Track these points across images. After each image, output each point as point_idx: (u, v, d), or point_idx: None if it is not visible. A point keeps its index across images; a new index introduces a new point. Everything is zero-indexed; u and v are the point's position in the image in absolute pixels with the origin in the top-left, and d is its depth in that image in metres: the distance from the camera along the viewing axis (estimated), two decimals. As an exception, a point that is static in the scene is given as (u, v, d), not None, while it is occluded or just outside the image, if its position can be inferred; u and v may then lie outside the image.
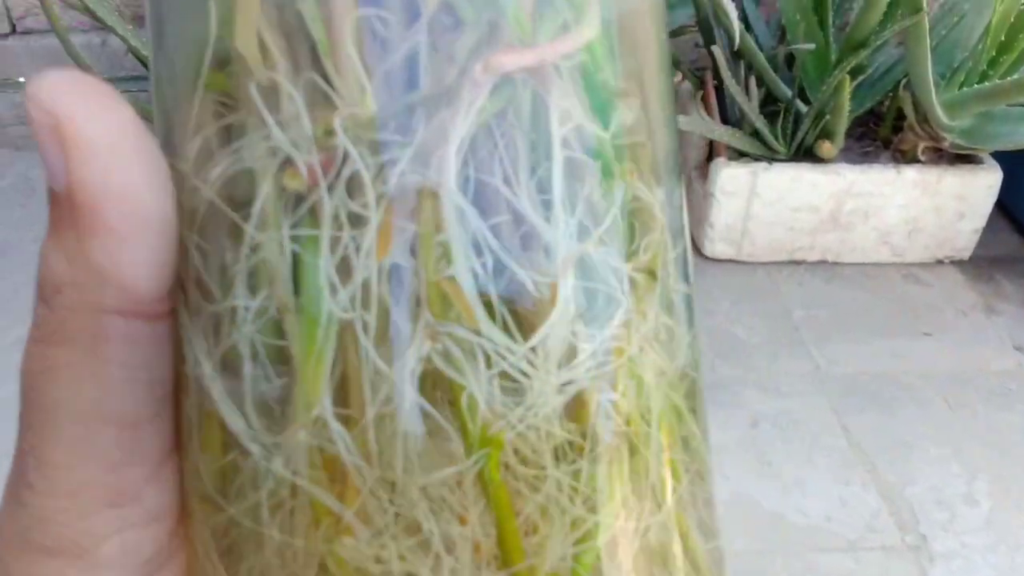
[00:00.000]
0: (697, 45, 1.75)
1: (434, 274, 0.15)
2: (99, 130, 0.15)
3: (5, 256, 1.61)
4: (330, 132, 0.15)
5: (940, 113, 1.29)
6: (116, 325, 0.16)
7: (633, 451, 0.16)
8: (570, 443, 0.16)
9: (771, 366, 1.31)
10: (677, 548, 0.17)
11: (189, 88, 0.16)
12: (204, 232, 0.16)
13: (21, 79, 1.81)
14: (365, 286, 0.15)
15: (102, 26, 1.41)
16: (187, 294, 0.16)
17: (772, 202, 1.45)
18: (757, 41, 1.47)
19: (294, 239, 0.15)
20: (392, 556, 0.15)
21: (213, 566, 0.17)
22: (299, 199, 0.15)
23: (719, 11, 1.36)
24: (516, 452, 0.15)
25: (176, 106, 0.16)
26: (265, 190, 0.15)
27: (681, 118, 1.40)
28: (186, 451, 0.17)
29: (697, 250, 1.58)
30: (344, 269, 0.15)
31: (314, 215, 0.15)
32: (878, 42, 1.20)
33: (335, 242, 0.15)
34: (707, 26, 1.49)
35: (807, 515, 1.07)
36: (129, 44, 1.33)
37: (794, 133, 1.43)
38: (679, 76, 1.43)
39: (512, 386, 0.15)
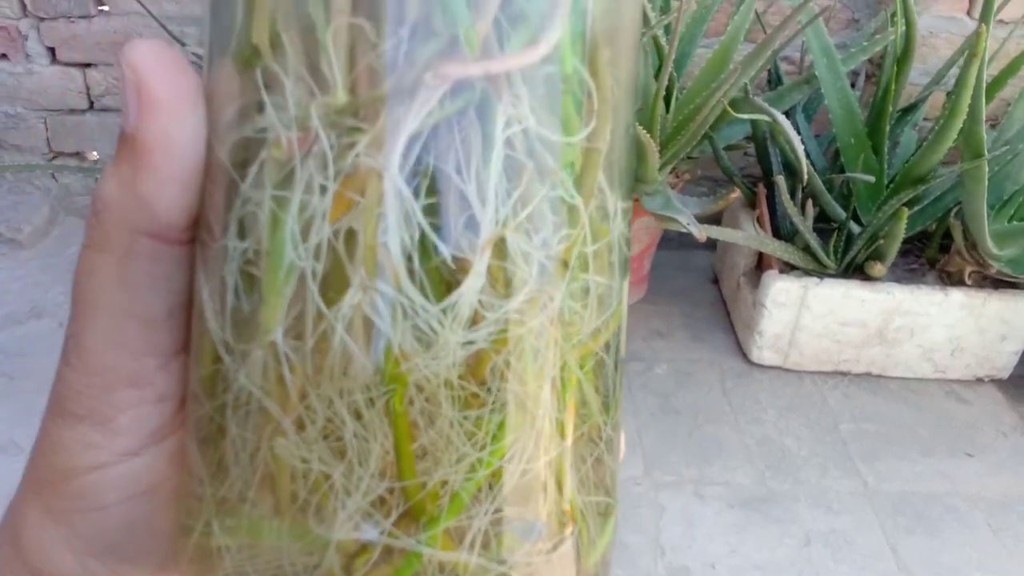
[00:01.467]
0: (746, 154, 1.82)
1: (371, 240, 0.18)
2: (166, 92, 0.19)
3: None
4: (309, 116, 0.18)
5: (990, 244, 1.35)
6: (145, 243, 0.20)
7: (520, 406, 0.19)
8: (469, 392, 0.19)
9: (820, 481, 1.34)
10: (552, 493, 0.20)
11: (223, 62, 0.20)
12: (214, 184, 0.20)
13: (95, 154, 1.88)
14: (319, 243, 0.18)
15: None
16: (200, 234, 0.21)
17: (822, 315, 1.50)
18: (809, 158, 1.53)
19: (274, 199, 0.19)
20: (314, 458, 0.19)
21: (192, 451, 0.21)
22: (282, 166, 0.19)
23: (777, 134, 1.42)
24: (419, 390, 0.18)
25: (214, 77, 0.21)
26: (260, 157, 0.19)
27: (736, 232, 1.46)
28: (191, 362, 0.22)
29: (744, 356, 1.62)
30: (307, 228, 0.18)
31: (291, 180, 0.19)
32: (938, 178, 1.26)
33: (303, 205, 0.19)
34: (762, 143, 1.56)
35: (861, 640, 1.10)
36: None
37: (845, 251, 1.48)
38: (734, 189, 1.49)
39: (423, 338, 0.18)
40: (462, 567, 0.19)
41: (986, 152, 1.16)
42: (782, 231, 1.57)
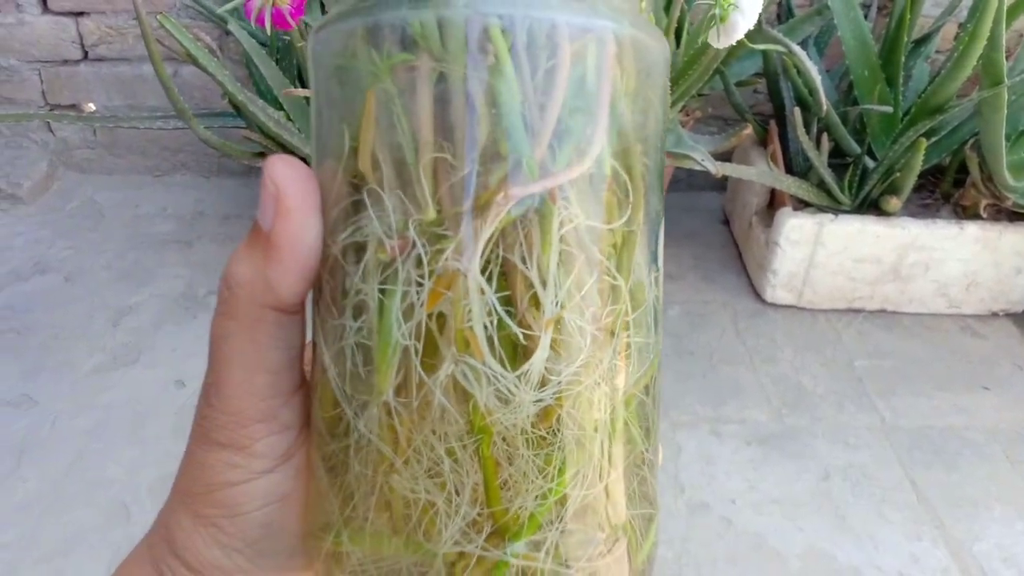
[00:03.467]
0: (756, 91, 1.79)
1: (460, 324, 0.23)
2: (297, 204, 0.24)
3: (77, 283, 1.64)
4: (406, 227, 0.23)
5: (1007, 175, 1.33)
6: (270, 314, 0.25)
7: (579, 446, 0.24)
8: (540, 437, 0.23)
9: (837, 417, 1.34)
10: (609, 511, 0.25)
11: (333, 175, 0.25)
12: (332, 273, 0.25)
13: (91, 105, 1.85)
14: (418, 325, 0.23)
15: (179, 59, 1.45)
16: (319, 309, 0.26)
17: (836, 252, 1.48)
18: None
19: (381, 290, 0.24)
20: (421, 489, 0.24)
21: (321, 477, 0.26)
22: (386, 265, 0.23)
23: (790, 67, 1.39)
24: (502, 438, 0.23)
25: (323, 180, 0.25)
26: (367, 257, 0.24)
27: (750, 169, 1.43)
28: (313, 403, 0.27)
29: (757, 296, 1.61)
30: (408, 313, 0.23)
31: (394, 277, 0.23)
32: (954, 108, 1.23)
33: (404, 295, 0.23)
34: (774, 78, 1.53)
35: (882, 570, 1.10)
36: (216, 78, 1.37)
37: (860, 186, 1.46)
38: (746, 126, 1.47)
39: (503, 398, 0.23)
40: (540, 572, 0.24)
41: (1006, 78, 1.13)
42: (795, 168, 1.55)
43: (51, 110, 1.90)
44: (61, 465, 1.21)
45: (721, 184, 1.94)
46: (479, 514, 0.23)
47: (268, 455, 0.27)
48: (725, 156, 1.66)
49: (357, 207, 0.24)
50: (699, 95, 1.56)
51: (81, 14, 1.81)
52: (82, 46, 1.84)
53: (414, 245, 0.23)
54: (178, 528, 0.27)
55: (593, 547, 0.24)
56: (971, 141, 1.41)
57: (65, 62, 1.86)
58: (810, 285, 1.53)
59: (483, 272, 0.23)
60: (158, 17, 1.20)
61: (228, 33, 1.58)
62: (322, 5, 1.23)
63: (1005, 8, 1.14)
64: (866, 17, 1.56)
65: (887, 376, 1.43)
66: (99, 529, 1.11)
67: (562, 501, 0.24)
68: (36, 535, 1.10)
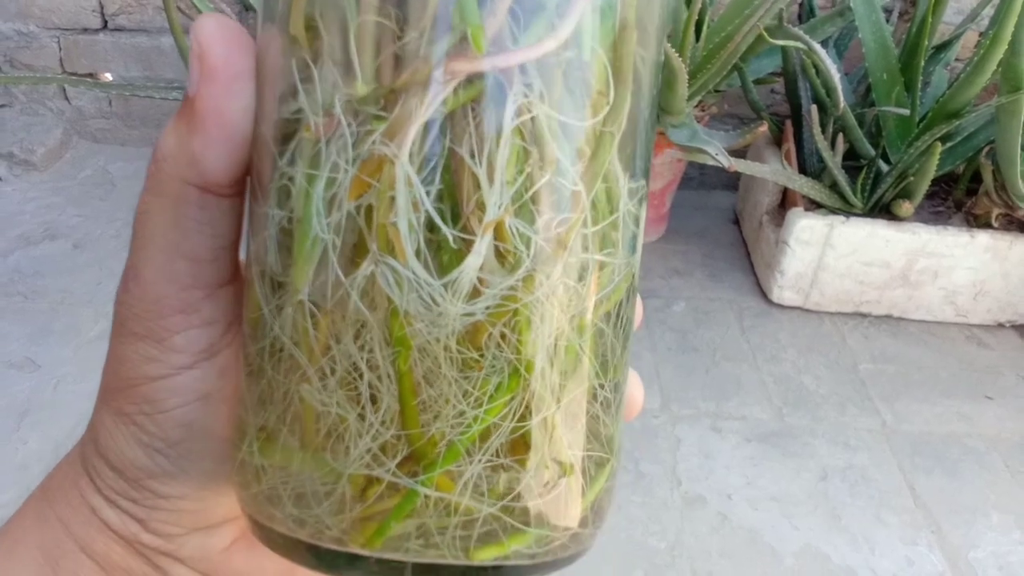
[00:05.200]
0: (773, 91, 1.78)
1: (383, 219, 0.20)
2: (223, 67, 0.22)
3: (85, 250, 1.64)
4: (334, 104, 0.20)
5: (1021, 185, 1.32)
6: (194, 193, 0.23)
7: (513, 372, 0.21)
8: (469, 358, 0.21)
9: (838, 418, 1.34)
10: (542, 447, 0.22)
11: (269, 41, 0.22)
12: (259, 155, 0.23)
13: (108, 75, 1.85)
14: (340, 218, 0.21)
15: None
16: (249, 194, 0.24)
17: (845, 255, 1.48)
18: (840, 95, 1.50)
19: (305, 176, 0.21)
20: (332, 403, 0.22)
21: (241, 380, 0.24)
22: (312, 147, 0.21)
23: (808, 66, 1.39)
24: (422, 353, 0.21)
25: (261, 48, 0.23)
26: (296, 137, 0.21)
27: (763, 166, 1.43)
28: (244, 300, 0.25)
29: (763, 295, 1.61)
30: (331, 203, 0.21)
31: (319, 160, 0.21)
32: (971, 114, 1.23)
33: (329, 183, 0.21)
34: (792, 77, 1.53)
35: (877, 573, 1.09)
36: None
37: (873, 189, 1.46)
38: (761, 123, 1.46)
39: (426, 308, 0.21)
40: (454, 506, 0.21)
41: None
42: (808, 168, 1.55)
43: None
44: (63, 428, 1.21)
45: (733, 183, 1.93)
46: (394, 437, 0.21)
47: (187, 350, 0.25)
48: (739, 153, 1.66)
49: (289, 79, 0.21)
50: (716, 91, 1.55)
51: (102, -17, 1.81)
52: (102, 15, 1.84)
53: (340, 125, 0.20)
54: (101, 427, 0.26)
55: (522, 486, 0.22)
56: (986, 149, 1.40)
57: (84, 30, 1.86)
58: (817, 287, 1.53)
59: (425, 166, 0.20)
60: (179, -15, 1.21)
61: (248, 8, 1.59)
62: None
63: (1028, 15, 1.14)
64: (887, 21, 1.56)
65: (891, 381, 1.43)
66: (97, 492, 1.12)
67: (488, 431, 0.21)
68: (34, 495, 1.11)
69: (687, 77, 1.27)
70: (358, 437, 0.21)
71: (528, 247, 0.21)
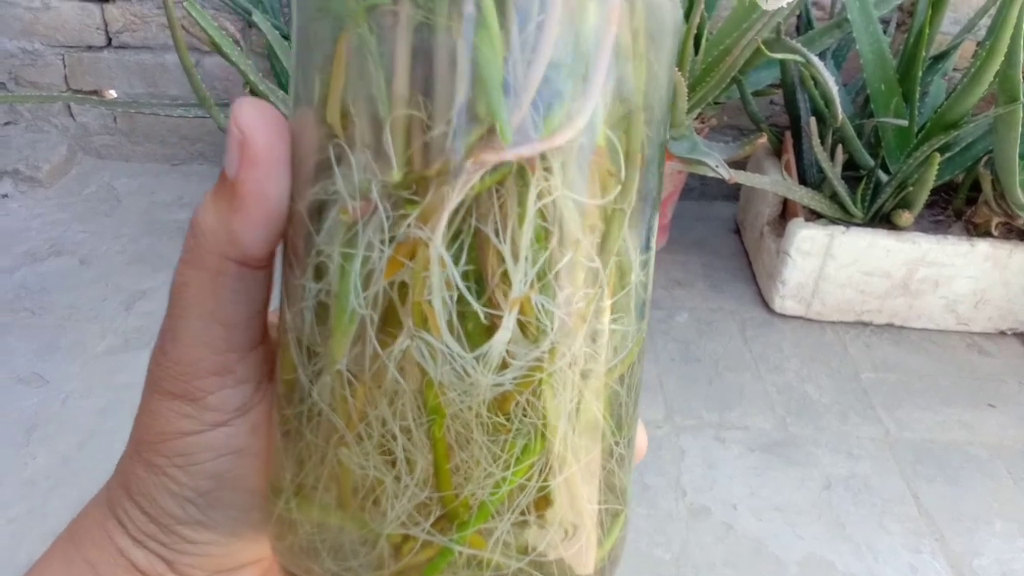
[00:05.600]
0: (772, 103, 1.80)
1: (418, 296, 0.21)
2: (264, 153, 0.23)
3: (91, 265, 1.65)
4: (370, 188, 0.22)
5: (1019, 193, 1.33)
6: (231, 267, 0.25)
7: (539, 436, 0.23)
8: (497, 423, 0.22)
9: (841, 427, 1.34)
10: (567, 504, 0.24)
11: (304, 126, 0.24)
12: (297, 231, 0.24)
13: (112, 92, 1.87)
14: (376, 294, 0.22)
15: (201, 49, 1.47)
16: (286, 266, 0.25)
17: (846, 264, 1.49)
18: (839, 106, 1.51)
19: (341, 254, 0.22)
20: (370, 466, 0.23)
21: (277, 440, 0.25)
22: (349, 227, 0.22)
23: (807, 78, 1.40)
24: (456, 421, 0.22)
25: (296, 128, 0.24)
26: (331, 217, 0.23)
27: (763, 178, 1.44)
28: (277, 362, 0.26)
29: (765, 306, 1.62)
30: (367, 280, 0.22)
31: (355, 240, 0.22)
32: (969, 125, 1.24)
33: (365, 261, 0.22)
34: (791, 89, 1.54)
35: (881, 581, 1.10)
36: (238, 67, 1.38)
37: (872, 200, 1.47)
38: (761, 135, 1.47)
39: (458, 379, 0.22)
40: (486, 562, 0.23)
41: (1022, 96, 1.14)
42: (808, 179, 1.56)
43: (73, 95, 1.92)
44: (71, 443, 1.22)
45: (734, 194, 1.94)
46: (428, 497, 0.23)
47: (221, 408, 0.26)
48: (739, 165, 1.67)
49: (326, 163, 0.23)
50: (715, 103, 1.57)
51: (107, 0, 1.83)
52: (106, 32, 1.86)
53: (377, 208, 0.22)
54: (133, 475, 0.27)
55: (547, 541, 0.23)
56: (984, 159, 1.41)
57: (89, 48, 1.88)
58: (819, 296, 1.54)
59: (453, 243, 0.21)
60: (184, 3, 1.22)
61: (251, 25, 1.60)
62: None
63: (1024, 26, 1.15)
64: (885, 32, 1.57)
65: (893, 389, 1.43)
66: (105, 507, 1.12)
67: (516, 491, 0.23)
68: (43, 510, 1.12)
69: (686, 90, 1.28)
70: (395, 498, 0.23)
71: (551, 321, 0.22)
